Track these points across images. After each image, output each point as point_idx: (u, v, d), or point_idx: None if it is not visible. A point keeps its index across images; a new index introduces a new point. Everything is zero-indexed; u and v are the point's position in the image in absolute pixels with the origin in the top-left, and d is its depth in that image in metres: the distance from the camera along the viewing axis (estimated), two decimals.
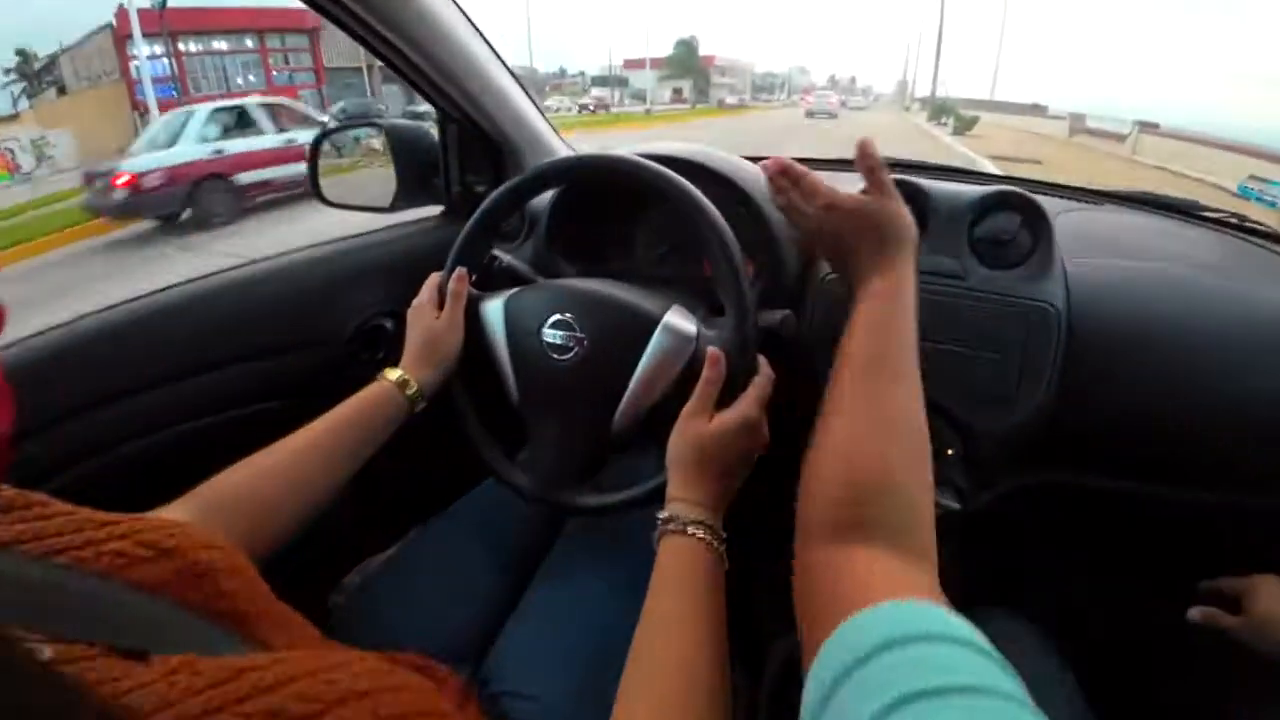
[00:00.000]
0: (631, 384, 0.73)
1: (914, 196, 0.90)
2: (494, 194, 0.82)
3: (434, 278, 0.84)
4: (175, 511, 0.56)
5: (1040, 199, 0.87)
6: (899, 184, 0.89)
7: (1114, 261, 0.93)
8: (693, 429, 0.66)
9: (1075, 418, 0.86)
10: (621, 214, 1.06)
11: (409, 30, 0.91)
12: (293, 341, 0.98)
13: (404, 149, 1.13)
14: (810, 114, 37.98)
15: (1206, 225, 1.11)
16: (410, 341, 0.80)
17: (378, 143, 1.15)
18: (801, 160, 1.35)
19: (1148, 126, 18.30)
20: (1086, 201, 1.20)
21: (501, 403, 0.81)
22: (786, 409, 0.71)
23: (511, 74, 1.12)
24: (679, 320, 0.73)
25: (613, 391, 0.73)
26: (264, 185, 8.55)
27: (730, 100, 66.13)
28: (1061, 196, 1.20)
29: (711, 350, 0.69)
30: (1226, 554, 0.89)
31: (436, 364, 0.79)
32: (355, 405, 0.72)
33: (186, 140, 8.09)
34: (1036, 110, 39.68)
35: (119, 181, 7.56)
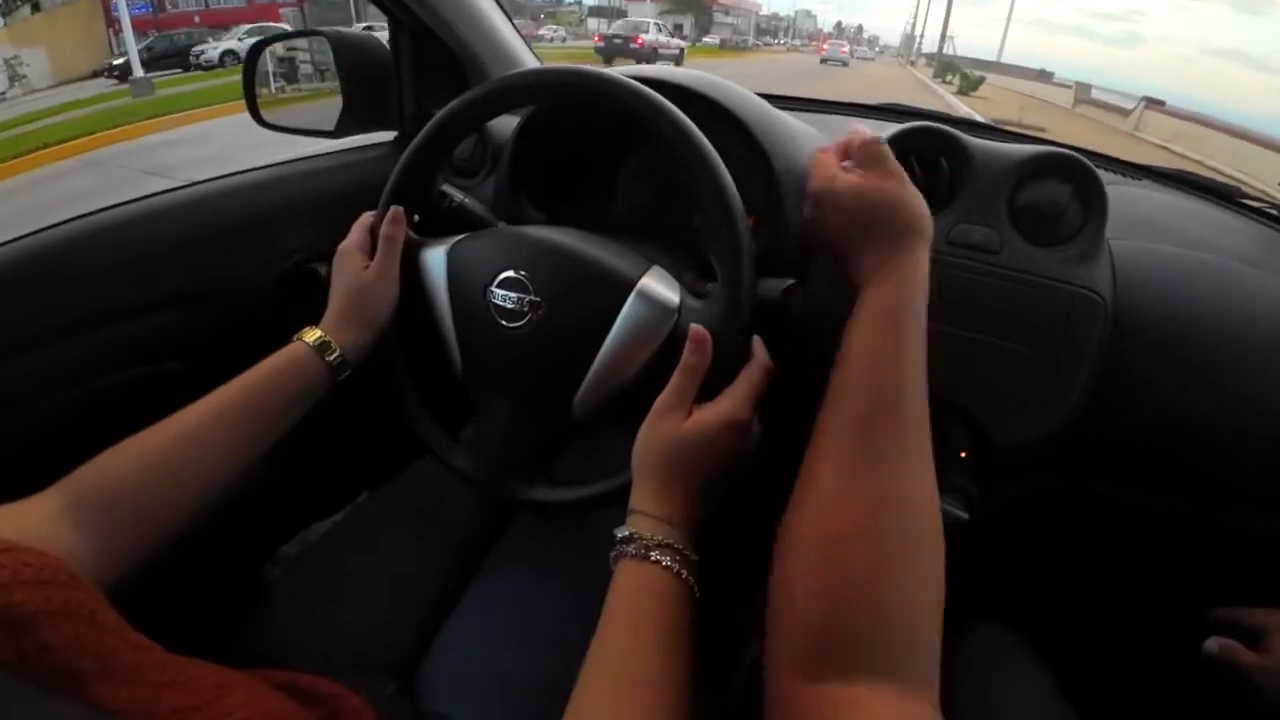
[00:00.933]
0: (597, 360, 0.59)
1: (947, 149, 0.77)
2: (441, 112, 0.66)
3: (365, 217, 0.70)
4: (45, 503, 0.48)
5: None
6: (928, 133, 0.77)
7: (1160, 246, 0.82)
8: (665, 427, 0.54)
9: (1106, 421, 0.75)
10: (602, 148, 0.90)
11: None
12: (206, 288, 0.83)
13: (351, 64, 0.96)
14: (824, 60, 41.75)
15: (1246, 214, 1.00)
16: (334, 295, 0.67)
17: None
18: (821, 101, 1.19)
19: (1153, 103, 17.99)
20: (1124, 175, 1.08)
21: (447, 368, 0.68)
22: (786, 402, 0.59)
23: None
24: (658, 286, 0.59)
25: (574, 367, 0.60)
26: None
27: (733, 40, 64.88)
28: (1098, 166, 1.07)
29: (695, 328, 0.55)
30: (1255, 582, 0.81)
31: (365, 323, 0.66)
32: (263, 373, 0.60)
33: None
34: (1043, 76, 39.52)
35: None
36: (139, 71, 13.97)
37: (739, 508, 0.64)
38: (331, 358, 0.63)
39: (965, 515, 0.79)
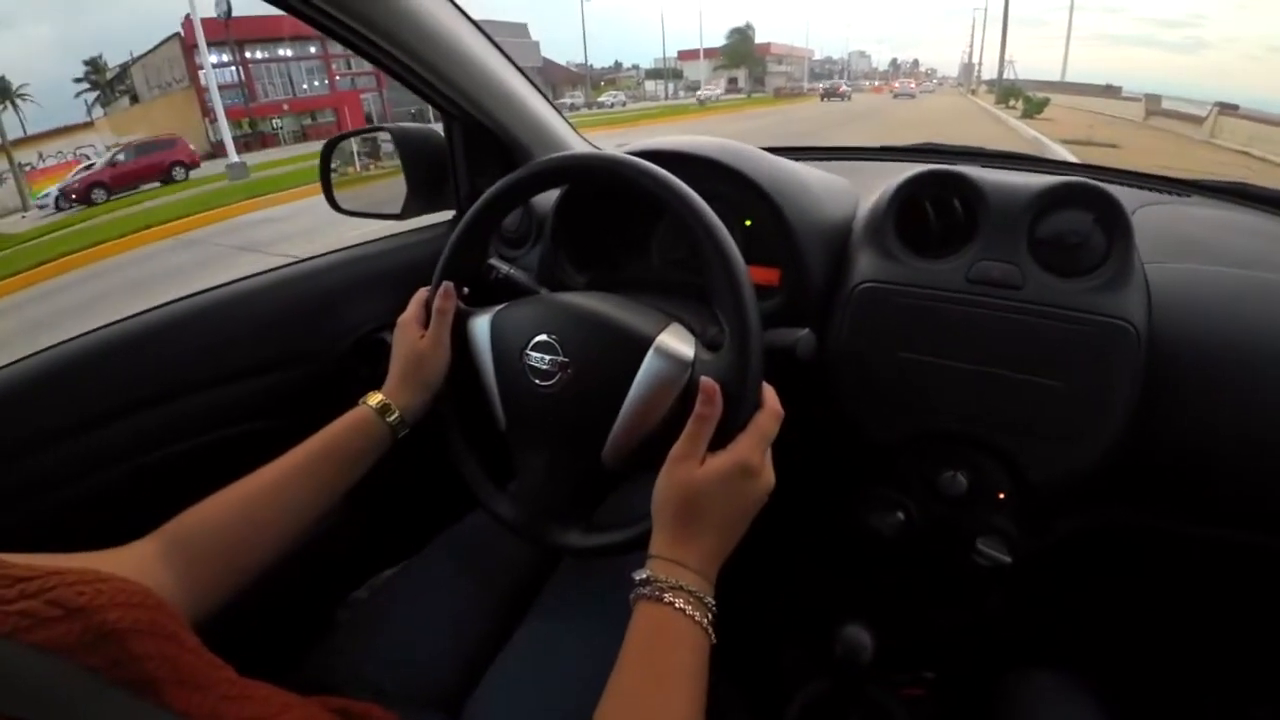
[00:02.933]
0: (621, 413, 0.64)
1: (958, 188, 0.79)
2: (483, 196, 0.74)
3: (421, 293, 0.78)
4: (144, 547, 0.55)
5: (1116, 190, 0.75)
6: (934, 177, 0.80)
7: (1204, 267, 0.80)
8: (680, 474, 0.57)
9: (1152, 450, 0.74)
10: (634, 215, 0.97)
11: (392, 30, 0.85)
12: (287, 356, 0.94)
13: (413, 153, 1.07)
14: (895, 95, 53.30)
15: None
16: (394, 362, 0.75)
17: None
18: (848, 149, 1.21)
19: (1226, 108, 17.31)
20: (1169, 192, 1.06)
21: (493, 424, 0.74)
22: (800, 443, 0.62)
23: (520, 70, 1.05)
24: (674, 342, 0.64)
25: (601, 420, 0.65)
26: None
27: (787, 88, 66.89)
28: (1141, 186, 1.07)
29: (705, 381, 0.58)
30: None
31: (421, 387, 0.73)
32: (334, 433, 0.68)
33: None
34: (1110, 92, 38.05)
35: None
36: (234, 157, 15.26)
37: (762, 546, 0.66)
38: (392, 419, 0.70)
39: (1008, 559, 0.79)
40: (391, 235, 1.12)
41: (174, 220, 9.42)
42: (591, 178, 0.73)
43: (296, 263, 1.00)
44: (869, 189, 0.92)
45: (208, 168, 18.49)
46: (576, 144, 1.14)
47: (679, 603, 0.52)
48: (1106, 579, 0.97)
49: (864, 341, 0.80)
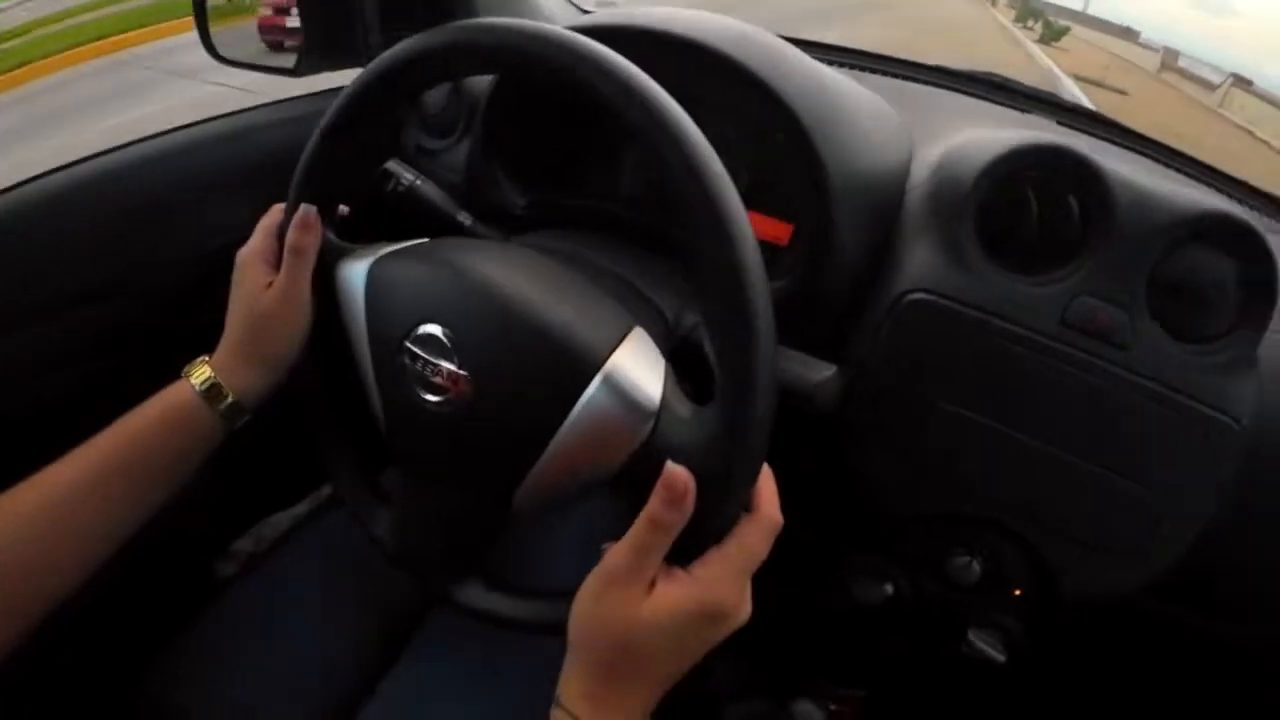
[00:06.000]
0: (542, 458, 0.41)
1: (1081, 184, 0.55)
2: (367, 67, 0.47)
3: (274, 213, 0.53)
4: None
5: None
6: (1058, 158, 0.55)
7: None
8: (613, 605, 0.37)
9: (1215, 560, 0.58)
10: (602, 118, 0.69)
11: None
12: (106, 281, 0.67)
13: None
14: None
15: None
16: (230, 321, 0.52)
17: None
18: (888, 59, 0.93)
19: (1241, 81, 17.52)
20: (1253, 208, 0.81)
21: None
22: (791, 503, 0.41)
23: None
24: (633, 369, 0.40)
25: (513, 460, 0.42)
26: None
27: None
28: (1254, 207, 0.82)
29: (673, 471, 0.36)
30: None
31: (265, 360, 0.51)
32: (143, 426, 0.49)
33: None
34: (1129, 34, 37.41)
35: None
36: None
37: None
38: (223, 406, 0.50)
39: (1001, 657, 0.63)
40: (259, 106, 0.81)
41: (102, 39, 8.46)
42: (521, 67, 0.45)
43: (132, 145, 0.71)
44: (924, 131, 0.67)
45: None
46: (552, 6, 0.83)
47: None
48: (1115, 668, 0.83)
49: (898, 377, 0.58)
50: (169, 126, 0.75)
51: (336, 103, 0.47)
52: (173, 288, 0.71)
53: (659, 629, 0.37)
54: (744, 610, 0.39)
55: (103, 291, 0.67)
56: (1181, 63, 22.20)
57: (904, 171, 0.64)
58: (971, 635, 0.64)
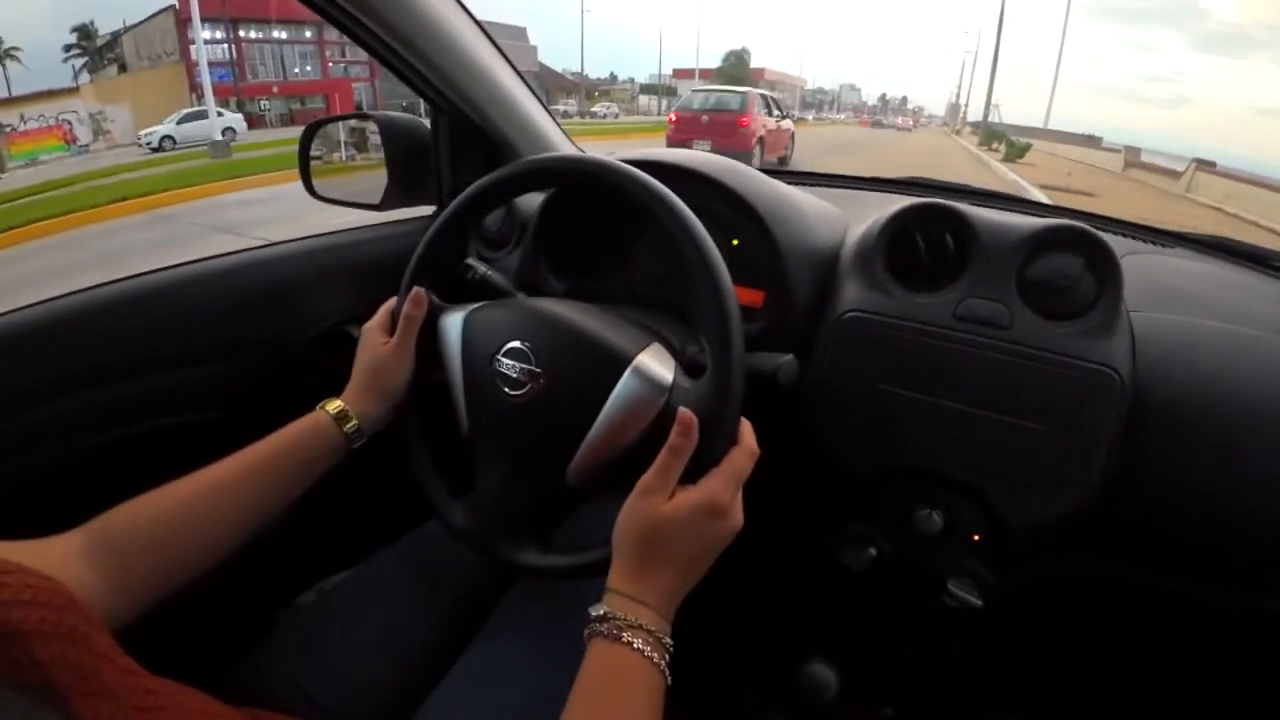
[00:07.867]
0: (590, 432, 0.61)
1: (951, 223, 0.78)
2: (465, 192, 0.71)
3: (390, 302, 0.74)
4: (68, 541, 0.52)
5: (1106, 238, 0.74)
6: (929, 209, 0.79)
7: (1188, 319, 0.80)
8: (646, 507, 0.54)
9: (1127, 502, 0.73)
10: (620, 223, 0.95)
11: (388, 17, 0.82)
12: (250, 343, 0.89)
13: (397, 143, 1.04)
14: (872, 126, 61.35)
15: None
16: (356, 368, 0.71)
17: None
18: (842, 177, 1.22)
19: (1204, 164, 17.87)
20: (1153, 242, 1.07)
21: (456, 431, 0.71)
22: (773, 474, 0.60)
23: (515, 70, 1.03)
24: (653, 364, 0.61)
25: (569, 437, 0.62)
26: None
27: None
28: (1126, 235, 1.07)
29: (683, 412, 0.55)
30: None
31: (381, 394, 0.70)
32: (286, 437, 0.65)
33: None
34: (1091, 141, 39.04)
35: None
36: (218, 135, 15.00)
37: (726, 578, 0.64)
38: (348, 428, 0.67)
39: (979, 602, 0.78)
40: (367, 226, 1.07)
41: (150, 194, 9.21)
42: (580, 181, 0.70)
43: (261, 247, 0.95)
44: (858, 217, 0.91)
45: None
46: (567, 148, 1.12)
47: (636, 642, 0.50)
48: (1071, 627, 0.96)
49: (846, 371, 0.78)
50: None
51: (447, 211, 0.72)
52: (289, 354, 0.93)
53: (678, 522, 0.53)
54: (737, 514, 0.56)
55: (235, 352, 0.88)
56: (1144, 158, 22.50)
57: (839, 242, 0.88)
58: (950, 585, 0.79)
